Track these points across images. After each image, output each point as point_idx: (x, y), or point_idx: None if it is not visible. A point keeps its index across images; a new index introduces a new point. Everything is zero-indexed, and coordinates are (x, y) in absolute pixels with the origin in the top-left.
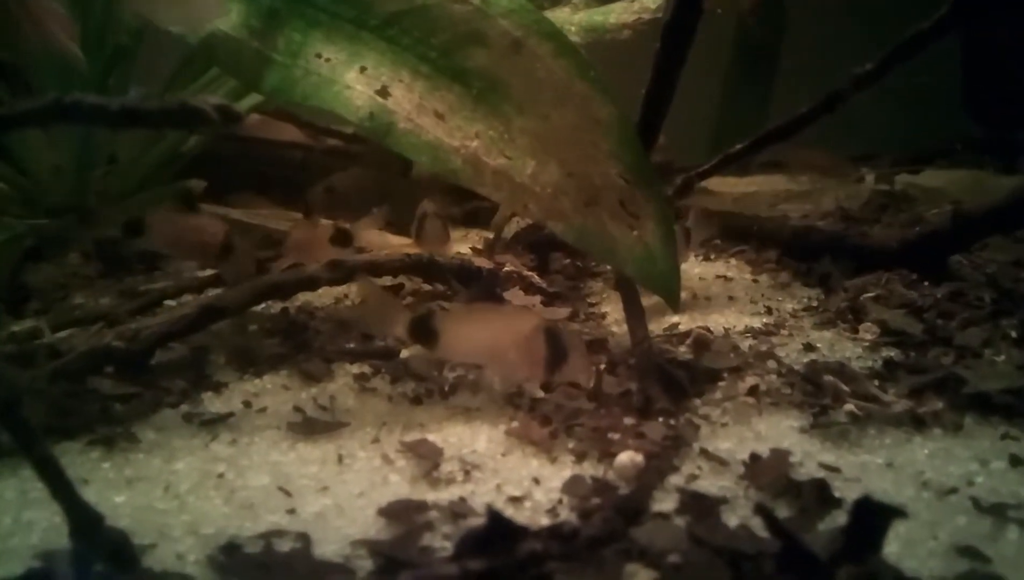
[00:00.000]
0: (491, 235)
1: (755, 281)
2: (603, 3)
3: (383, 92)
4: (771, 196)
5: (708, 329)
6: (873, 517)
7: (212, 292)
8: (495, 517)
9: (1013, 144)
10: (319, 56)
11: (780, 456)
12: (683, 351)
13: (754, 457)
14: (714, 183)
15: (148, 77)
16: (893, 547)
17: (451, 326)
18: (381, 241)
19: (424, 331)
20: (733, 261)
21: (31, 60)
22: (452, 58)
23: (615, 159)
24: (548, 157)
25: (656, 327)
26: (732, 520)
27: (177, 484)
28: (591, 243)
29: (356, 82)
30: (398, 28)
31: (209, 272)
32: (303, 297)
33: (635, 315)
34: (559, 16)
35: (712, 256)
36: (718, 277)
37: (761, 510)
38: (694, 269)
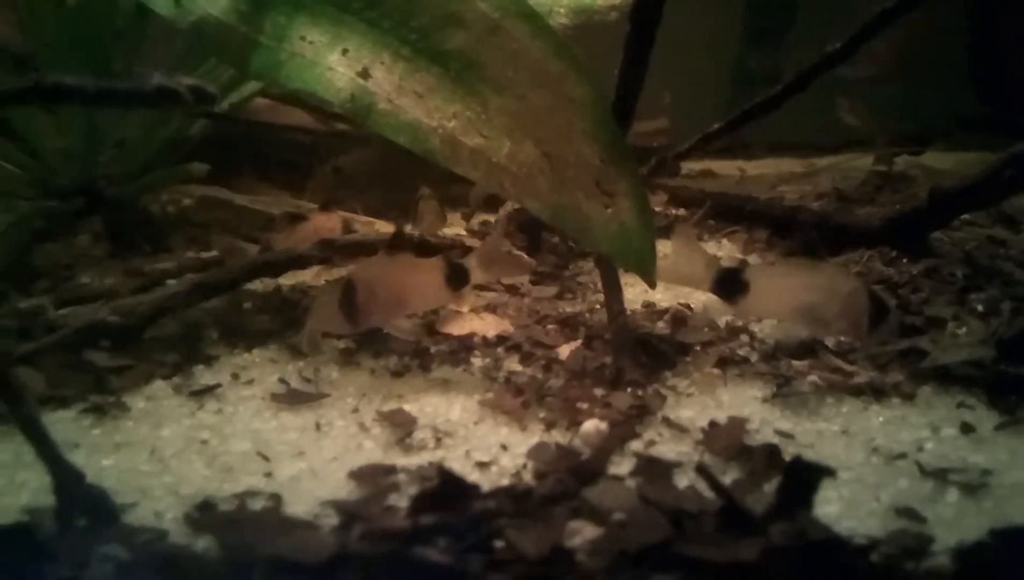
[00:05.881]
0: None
1: (743, 260)
2: None
3: (364, 74)
4: (775, 178)
5: (688, 305)
6: (804, 477)
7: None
8: (447, 476)
9: (1022, 124)
10: (303, 39)
11: (737, 423)
12: (661, 326)
13: (712, 424)
14: (722, 166)
15: (161, 60)
16: (835, 507)
17: (762, 280)
18: None
19: (732, 283)
20: (725, 241)
21: (39, 46)
22: (431, 40)
23: (590, 138)
24: (524, 136)
25: (639, 304)
26: (683, 482)
27: (162, 449)
28: (566, 221)
29: (338, 64)
30: (379, 10)
31: (212, 253)
32: (299, 276)
33: (612, 291)
34: None
35: (705, 236)
36: None
37: (701, 470)
38: None
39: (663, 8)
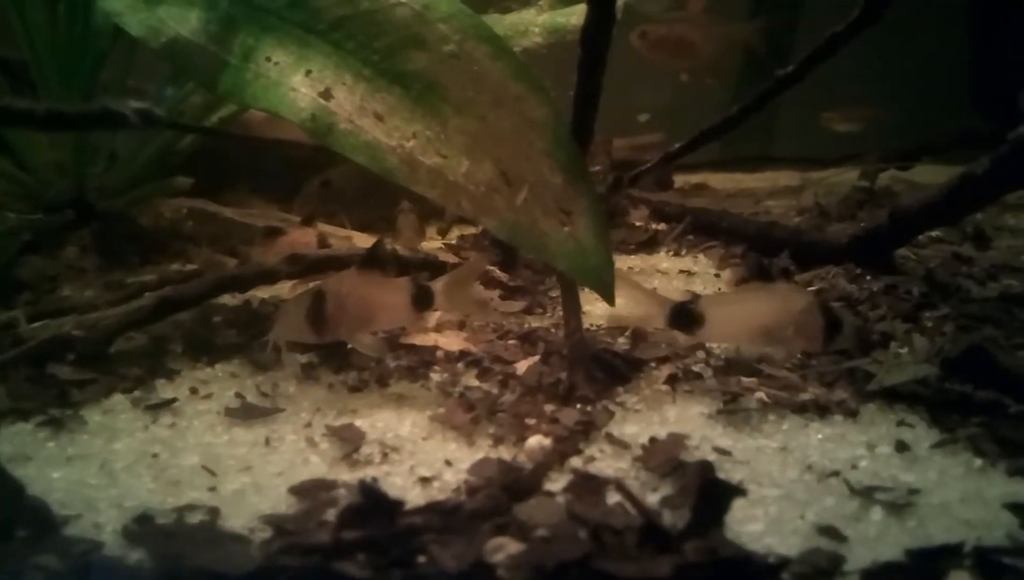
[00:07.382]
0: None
1: (717, 276)
2: (567, 4)
3: (326, 94)
4: (764, 192)
5: None
6: (717, 495)
7: None
8: (369, 492)
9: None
10: (269, 60)
11: (676, 440)
12: (621, 342)
13: (652, 440)
14: (718, 180)
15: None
16: (760, 525)
17: (716, 309)
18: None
19: (687, 317)
20: (702, 256)
21: (33, 58)
22: (393, 61)
23: (549, 157)
24: (483, 156)
25: (604, 319)
26: (614, 498)
27: (112, 462)
28: (523, 239)
29: (301, 85)
30: (343, 32)
31: (191, 266)
32: (273, 290)
33: (571, 308)
34: (525, 17)
35: (683, 251)
36: (681, 272)
37: (620, 487)
38: (661, 263)
39: (611, 34)
